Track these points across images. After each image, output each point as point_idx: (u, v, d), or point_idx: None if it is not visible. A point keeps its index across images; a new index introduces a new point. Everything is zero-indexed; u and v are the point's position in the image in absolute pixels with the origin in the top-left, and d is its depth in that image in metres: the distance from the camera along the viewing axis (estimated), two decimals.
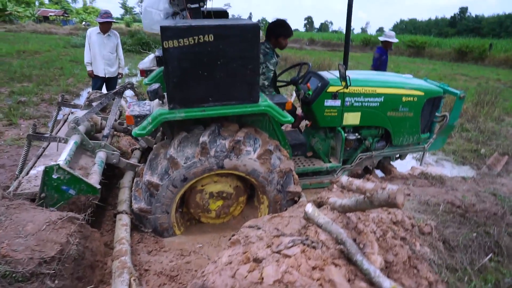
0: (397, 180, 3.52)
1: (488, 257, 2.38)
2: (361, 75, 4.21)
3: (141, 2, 28.43)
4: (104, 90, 6.46)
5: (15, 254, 1.78)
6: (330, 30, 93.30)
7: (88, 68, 6.24)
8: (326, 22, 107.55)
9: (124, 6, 70.29)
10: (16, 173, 3.20)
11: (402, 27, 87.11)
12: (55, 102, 7.41)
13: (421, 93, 3.96)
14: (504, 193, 2.96)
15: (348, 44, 4.18)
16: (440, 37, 45.88)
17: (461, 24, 66.06)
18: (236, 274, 1.51)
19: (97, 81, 6.31)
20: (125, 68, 6.46)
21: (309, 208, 2.08)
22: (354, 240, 1.95)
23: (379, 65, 6.77)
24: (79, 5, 79.26)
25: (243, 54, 2.71)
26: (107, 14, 6.08)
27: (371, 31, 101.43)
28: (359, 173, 4.21)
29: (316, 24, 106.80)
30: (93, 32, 6.13)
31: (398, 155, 4.38)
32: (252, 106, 2.93)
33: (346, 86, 3.47)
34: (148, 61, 5.41)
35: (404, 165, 4.85)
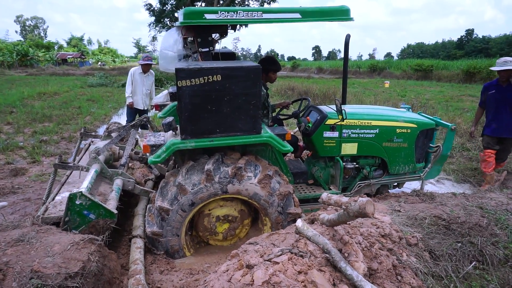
0: (390, 198, 3.72)
1: (472, 265, 2.56)
2: (358, 109, 4.55)
3: (153, 41, 29.89)
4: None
5: (45, 270, 2.08)
6: (338, 58, 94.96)
7: (129, 100, 7.21)
8: (334, 51, 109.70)
9: (137, 45, 73.57)
10: (43, 199, 3.54)
11: (409, 52, 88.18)
12: (74, 139, 7.94)
13: (414, 126, 4.24)
14: (491, 207, 3.14)
15: (346, 80, 4.55)
16: (448, 59, 46.31)
17: (469, 45, 66.53)
18: (232, 279, 1.76)
19: (132, 112, 7.33)
20: None
21: (299, 222, 2.34)
22: (340, 250, 2.19)
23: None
24: (94, 46, 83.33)
25: (247, 91, 3.09)
26: (148, 57, 7.24)
27: (379, 56, 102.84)
28: None
29: (324, 53, 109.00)
30: (136, 71, 7.18)
31: (395, 183, 4.59)
32: (255, 137, 3.26)
33: (343, 119, 3.78)
34: (161, 96, 5.89)
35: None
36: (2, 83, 22.52)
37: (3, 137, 8.11)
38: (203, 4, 27.14)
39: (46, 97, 15.46)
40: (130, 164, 4.79)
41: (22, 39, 71.52)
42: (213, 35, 3.73)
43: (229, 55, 4.44)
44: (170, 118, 3.23)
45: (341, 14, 3.50)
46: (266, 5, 27.05)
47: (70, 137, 8.30)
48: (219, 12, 3.16)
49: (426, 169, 4.52)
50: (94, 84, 22.09)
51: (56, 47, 64.50)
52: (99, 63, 57.38)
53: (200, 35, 3.50)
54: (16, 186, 5.00)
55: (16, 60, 42.39)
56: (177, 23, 3.47)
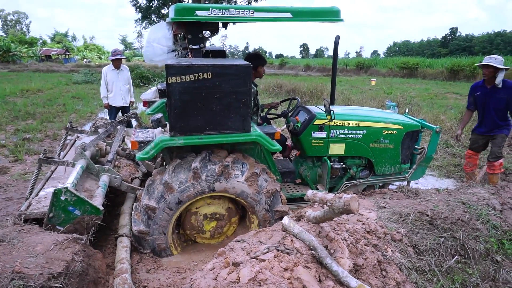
0: (376, 195, 3.77)
1: (454, 259, 2.62)
2: (346, 110, 4.59)
3: (139, 37, 29.55)
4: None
5: (27, 271, 2.04)
6: (325, 55, 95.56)
7: (104, 101, 7.09)
8: (322, 48, 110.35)
9: (124, 41, 72.62)
10: (27, 194, 3.46)
11: (395, 49, 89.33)
12: (59, 137, 7.79)
13: (401, 127, 4.30)
14: (473, 202, 3.21)
15: (335, 81, 4.58)
16: (433, 57, 47.07)
17: (453, 44, 67.78)
18: (218, 277, 1.76)
19: (112, 111, 7.15)
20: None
21: (286, 220, 2.35)
22: (326, 247, 2.21)
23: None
24: (80, 43, 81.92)
25: (237, 89, 3.08)
26: (117, 52, 7.02)
27: (366, 54, 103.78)
28: None
29: (312, 51, 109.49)
30: (108, 69, 6.99)
31: (381, 184, 4.65)
32: (245, 135, 3.26)
33: (331, 120, 3.81)
34: (150, 93, 5.83)
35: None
36: None
37: None
38: (190, 1, 26.95)
39: (29, 94, 15.13)
40: (116, 162, 4.72)
41: (3, 35, 69.74)
42: (204, 32, 3.71)
43: (219, 53, 4.42)
44: (159, 115, 3.20)
45: (331, 15, 3.53)
46: (253, 3, 27.02)
47: (54, 135, 8.14)
48: (210, 9, 3.15)
49: (411, 170, 4.59)
50: (79, 81, 21.69)
51: (39, 43, 63.08)
52: (85, 59, 56.43)
53: (190, 32, 3.48)
54: None
55: None
56: (168, 19, 3.44)
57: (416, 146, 4.59)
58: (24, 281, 1.99)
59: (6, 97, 13.59)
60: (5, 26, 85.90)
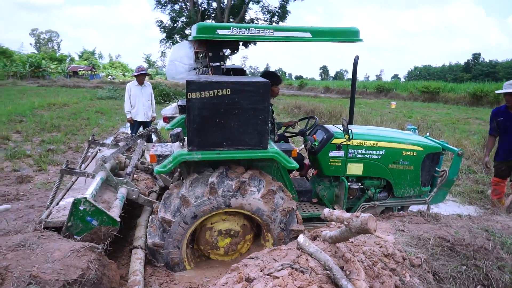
0: (394, 218, 3.68)
1: None
2: (365, 130, 4.56)
3: (162, 56, 30.45)
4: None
5: (44, 276, 2.07)
6: (345, 78, 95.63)
7: (128, 116, 7.30)
8: (341, 71, 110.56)
9: (148, 60, 74.79)
10: (48, 203, 3.54)
11: (416, 73, 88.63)
12: (81, 149, 8.01)
13: (421, 149, 4.21)
14: (497, 230, 3.09)
15: (353, 101, 4.58)
16: (455, 82, 46.35)
17: (476, 69, 66.76)
18: None
19: (134, 126, 7.36)
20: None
21: (301, 238, 2.32)
22: (342, 267, 2.16)
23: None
24: (105, 60, 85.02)
25: (255, 106, 3.12)
26: (141, 68, 7.31)
27: (386, 77, 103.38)
28: None
29: (332, 73, 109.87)
30: (131, 85, 7.25)
31: (400, 207, 4.54)
32: (262, 152, 3.27)
33: (349, 139, 3.79)
34: (171, 108, 5.96)
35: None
36: (14, 93, 22.95)
37: (12, 145, 8.21)
38: (213, 22, 27.75)
39: (55, 108, 15.71)
40: (135, 176, 4.80)
41: (36, 52, 73.24)
42: (224, 51, 3.80)
43: (239, 71, 4.50)
44: (178, 130, 3.26)
45: (350, 35, 3.56)
46: (274, 24, 27.56)
47: (77, 147, 8.38)
48: (231, 28, 3.23)
49: (432, 193, 4.47)
50: (103, 96, 22.44)
51: (68, 60, 65.85)
52: (109, 76, 58.33)
53: (211, 50, 3.57)
54: (21, 193, 5.02)
55: (29, 71, 43.29)
56: (190, 37, 3.55)
57: (437, 169, 4.47)
58: (41, 286, 2.02)
59: (34, 110, 14.15)
60: (37, 44, 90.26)
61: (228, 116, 3.08)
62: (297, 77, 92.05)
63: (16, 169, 6.31)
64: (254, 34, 3.28)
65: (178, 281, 3.11)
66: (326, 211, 2.20)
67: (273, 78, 4.27)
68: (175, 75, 3.63)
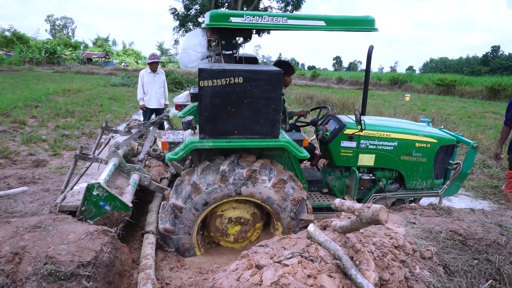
0: (405, 210, 3.65)
1: (488, 283, 2.48)
2: (377, 120, 4.49)
3: (175, 44, 30.45)
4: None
5: (59, 257, 2.13)
6: (358, 69, 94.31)
7: (141, 103, 7.39)
8: (355, 62, 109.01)
9: (160, 48, 74.91)
10: (62, 188, 3.63)
11: (432, 66, 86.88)
12: (94, 135, 8.13)
13: (434, 141, 4.14)
14: (511, 225, 3.04)
15: (367, 91, 4.51)
16: (473, 75, 45.24)
17: (494, 62, 65.05)
18: (240, 278, 1.76)
19: (147, 113, 7.42)
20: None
21: (311, 227, 2.32)
22: (351, 257, 2.16)
23: None
24: (119, 48, 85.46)
25: (267, 95, 3.10)
26: (154, 56, 7.32)
27: (400, 69, 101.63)
28: None
29: (345, 64, 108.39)
30: (145, 72, 7.28)
31: (412, 198, 4.50)
32: (273, 141, 3.26)
33: (361, 130, 3.75)
34: (183, 96, 5.99)
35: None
36: (30, 78, 23.34)
37: (28, 130, 8.38)
38: (227, 10, 27.56)
39: (70, 94, 15.92)
40: (147, 162, 4.86)
41: (51, 38, 74.02)
42: (237, 39, 3.77)
43: (252, 60, 4.48)
44: (189, 117, 3.28)
45: (366, 24, 3.48)
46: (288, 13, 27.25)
47: (90, 133, 8.50)
48: (244, 16, 3.20)
49: (445, 186, 4.40)
50: (116, 83, 22.64)
51: (82, 47, 66.42)
52: (123, 63, 58.72)
53: (224, 38, 3.55)
54: (37, 176, 5.14)
55: (44, 58, 43.88)
56: (203, 25, 3.53)
57: (450, 161, 4.41)
58: (56, 266, 2.08)
59: (50, 96, 14.38)
60: (53, 30, 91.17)
61: (239, 104, 3.08)
62: (310, 67, 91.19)
63: (32, 153, 6.45)
64: (268, 22, 3.24)
65: (188, 266, 3.17)
66: (337, 201, 2.19)
67: (286, 67, 4.23)
68: (187, 64, 3.62)
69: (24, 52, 43.01)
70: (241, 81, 3.01)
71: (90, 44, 77.98)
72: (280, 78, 3.11)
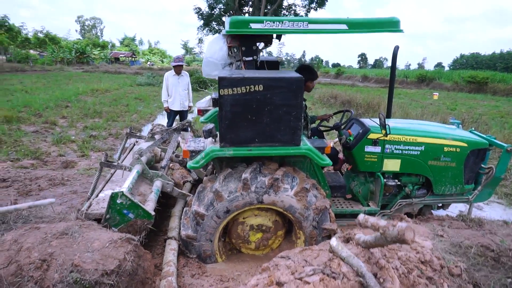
0: (433, 221, 3.52)
1: None
2: (403, 124, 4.35)
3: (200, 43, 30.74)
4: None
5: (84, 265, 2.18)
6: (384, 66, 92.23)
7: (165, 105, 7.51)
8: (381, 59, 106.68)
9: (185, 46, 75.96)
10: (88, 194, 3.73)
11: (462, 62, 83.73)
12: (120, 136, 8.33)
13: (465, 144, 3.96)
14: None
15: (392, 93, 4.38)
16: (506, 72, 43.18)
17: None
18: None
19: (171, 114, 7.56)
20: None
21: (334, 241, 2.27)
22: (375, 274, 2.10)
23: None
24: (145, 47, 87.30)
25: (288, 102, 3.06)
26: (179, 58, 7.42)
27: (429, 66, 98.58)
28: None
29: (370, 61, 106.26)
30: (169, 74, 7.41)
31: (440, 204, 4.34)
32: (294, 149, 3.22)
33: (386, 135, 3.65)
34: (205, 101, 6.03)
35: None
36: (61, 78, 24.26)
37: (58, 130, 8.70)
38: (250, 9, 27.55)
39: (98, 94, 16.42)
40: (170, 165, 4.93)
41: (81, 38, 76.54)
42: (258, 44, 3.75)
43: (273, 64, 4.43)
44: (210, 125, 3.28)
45: (390, 25, 3.37)
46: (312, 11, 26.92)
47: (117, 133, 8.72)
48: (264, 21, 3.17)
49: (476, 191, 4.21)
50: (142, 83, 23.14)
51: (109, 46, 68.30)
52: (148, 62, 59.98)
53: (244, 44, 3.53)
54: (66, 178, 5.32)
55: (75, 57, 45.48)
56: (223, 32, 3.52)
57: (482, 165, 4.20)
58: (81, 275, 2.14)
59: (79, 96, 14.89)
60: (82, 31, 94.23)
61: (260, 112, 3.05)
62: (334, 65, 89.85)
63: (61, 154, 6.70)
64: (288, 28, 3.19)
65: (209, 273, 3.18)
66: (361, 217, 2.13)
67: (308, 73, 4.16)
68: (210, 72, 3.64)
69: (56, 52, 44.74)
70: (262, 89, 2.98)
71: (118, 44, 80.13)
72: (301, 85, 3.06)
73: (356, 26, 3.33)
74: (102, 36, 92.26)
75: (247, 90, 2.97)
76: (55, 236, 2.48)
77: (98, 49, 57.36)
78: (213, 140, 3.37)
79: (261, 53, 4.10)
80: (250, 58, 3.53)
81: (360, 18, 3.36)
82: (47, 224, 2.69)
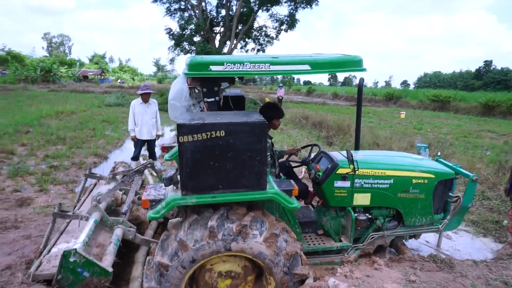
0: (404, 263, 3.47)
1: None
2: (371, 156, 4.37)
3: (172, 61, 30.49)
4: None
5: None
6: (353, 84, 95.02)
7: (132, 134, 7.23)
8: (350, 77, 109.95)
9: (157, 64, 75.34)
10: (41, 247, 3.43)
11: (426, 80, 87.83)
12: (84, 166, 7.93)
13: (432, 176, 4.01)
14: None
15: (359, 126, 4.40)
16: (466, 89, 45.58)
17: (487, 76, 65.87)
18: None
19: (138, 144, 7.27)
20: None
21: None
22: None
23: None
24: (115, 64, 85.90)
25: (252, 147, 2.93)
26: (146, 86, 7.17)
27: (395, 84, 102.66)
28: (371, 252, 4.16)
29: (340, 78, 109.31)
30: (136, 103, 7.14)
31: (412, 235, 4.34)
32: (260, 193, 3.08)
33: (354, 170, 3.61)
34: (169, 138, 5.85)
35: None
36: (23, 99, 23.19)
37: (16, 160, 8.16)
38: (222, 29, 27.75)
39: (63, 116, 15.75)
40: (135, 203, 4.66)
41: (47, 55, 74.33)
42: (220, 84, 3.64)
43: (238, 99, 4.33)
44: (171, 172, 3.11)
45: (353, 65, 3.34)
46: (283, 33, 27.43)
47: (80, 162, 8.30)
48: (225, 63, 3.06)
49: (445, 220, 4.27)
50: (111, 103, 22.54)
51: (77, 64, 66.63)
52: (119, 80, 58.83)
53: (205, 85, 3.40)
54: (19, 219, 4.91)
55: (40, 76, 43.85)
56: (183, 72, 3.39)
57: (450, 194, 4.27)
58: None
59: (42, 119, 14.19)
60: (49, 48, 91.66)
61: (223, 158, 2.91)
62: (306, 82, 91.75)
63: (17, 189, 6.23)
64: (250, 70, 3.10)
65: None
66: (331, 282, 2.01)
67: (274, 111, 4.11)
68: (175, 115, 3.48)
69: (19, 70, 42.99)
70: (223, 134, 2.85)
71: (86, 61, 78.33)
72: (264, 129, 2.95)
73: (319, 66, 3.27)
74: (70, 54, 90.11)
75: (208, 136, 2.83)
76: None
77: (65, 67, 55.78)
78: (175, 187, 3.18)
79: (222, 95, 4.00)
80: (212, 99, 3.40)
81: (322, 58, 3.31)
82: None
